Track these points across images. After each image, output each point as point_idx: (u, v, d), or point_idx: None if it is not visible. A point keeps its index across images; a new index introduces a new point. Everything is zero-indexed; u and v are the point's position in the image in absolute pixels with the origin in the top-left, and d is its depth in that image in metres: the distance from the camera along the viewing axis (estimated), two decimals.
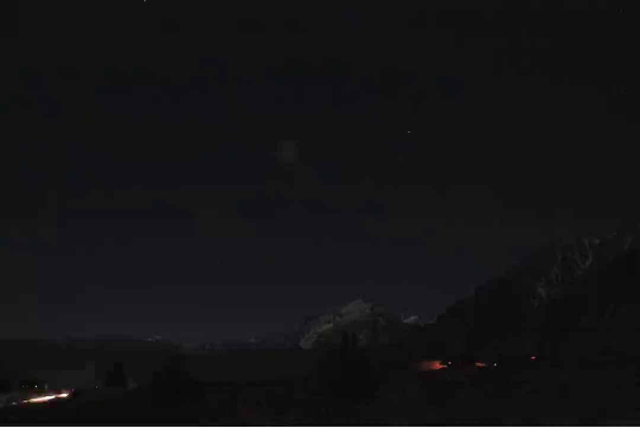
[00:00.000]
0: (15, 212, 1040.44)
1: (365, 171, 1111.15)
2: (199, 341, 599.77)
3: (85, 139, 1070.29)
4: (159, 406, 41.05)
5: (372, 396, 37.50)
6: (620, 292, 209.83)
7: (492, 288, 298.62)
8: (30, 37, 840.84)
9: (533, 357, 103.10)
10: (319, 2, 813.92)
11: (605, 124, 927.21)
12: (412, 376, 61.78)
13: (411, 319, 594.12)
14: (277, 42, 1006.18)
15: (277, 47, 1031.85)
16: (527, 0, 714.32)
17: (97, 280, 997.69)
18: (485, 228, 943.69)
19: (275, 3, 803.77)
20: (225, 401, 43.77)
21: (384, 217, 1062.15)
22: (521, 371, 61.06)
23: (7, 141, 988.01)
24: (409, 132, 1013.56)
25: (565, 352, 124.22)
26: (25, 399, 75.25)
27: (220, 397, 47.64)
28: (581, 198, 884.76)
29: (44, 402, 69.50)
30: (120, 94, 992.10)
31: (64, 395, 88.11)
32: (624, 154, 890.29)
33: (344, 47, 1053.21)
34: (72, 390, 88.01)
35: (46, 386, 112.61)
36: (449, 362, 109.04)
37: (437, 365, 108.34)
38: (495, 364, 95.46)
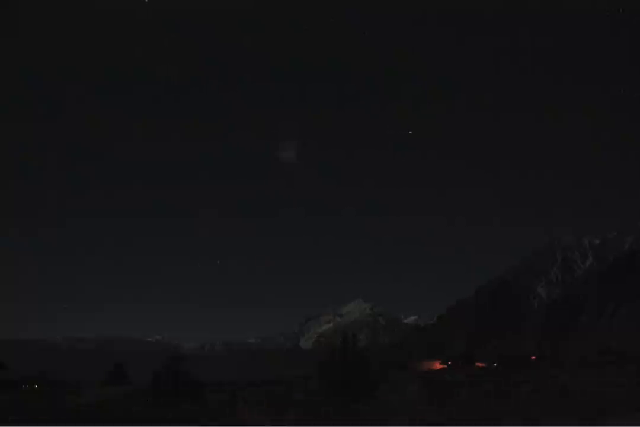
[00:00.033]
0: (15, 212, 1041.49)
1: (366, 171, 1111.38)
2: (199, 341, 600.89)
3: (85, 139, 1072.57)
4: (159, 406, 41.02)
5: (372, 396, 37.50)
6: (620, 292, 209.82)
7: (492, 288, 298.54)
8: (30, 37, 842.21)
9: (533, 357, 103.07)
10: (321, 2, 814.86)
11: (605, 124, 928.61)
12: (412, 376, 61.77)
13: (411, 319, 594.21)
14: (280, 42, 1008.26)
15: (280, 47, 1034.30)
16: (527, 0, 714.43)
17: (97, 280, 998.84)
18: (485, 228, 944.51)
19: (277, 3, 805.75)
20: (225, 401, 43.76)
21: (384, 217, 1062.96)
22: (521, 371, 61.06)
23: (7, 141, 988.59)
24: (410, 132, 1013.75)
25: (565, 352, 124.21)
26: None
27: (220, 397, 47.62)
28: (581, 198, 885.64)
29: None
30: (120, 94, 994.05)
31: None
32: (624, 154, 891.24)
33: (346, 47, 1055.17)
34: None
35: None
36: (449, 362, 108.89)
37: (437, 365, 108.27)
38: (495, 364, 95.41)
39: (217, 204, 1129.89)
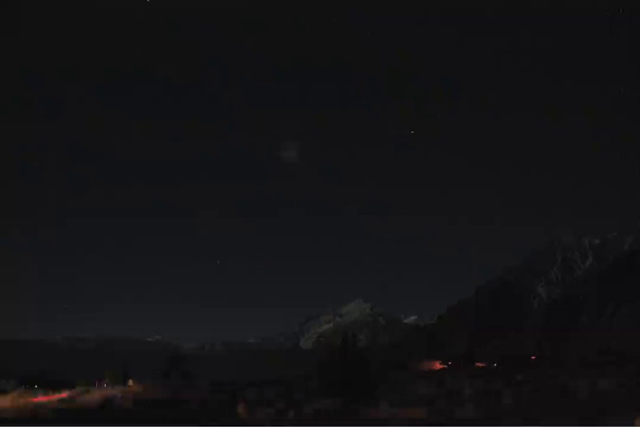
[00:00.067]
0: (15, 212, 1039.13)
1: (368, 171, 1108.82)
2: (199, 341, 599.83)
3: (85, 139, 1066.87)
4: (159, 406, 41.06)
5: (372, 396, 37.49)
6: (620, 292, 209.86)
7: (492, 288, 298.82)
8: (30, 37, 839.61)
9: (533, 357, 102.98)
10: (323, 2, 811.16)
11: (605, 124, 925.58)
12: (412, 376, 61.76)
13: (411, 319, 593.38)
14: (281, 42, 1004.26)
15: (281, 47, 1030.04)
16: (529, 0, 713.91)
17: (97, 280, 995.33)
18: (486, 228, 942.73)
19: (279, 3, 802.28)
20: (225, 401, 43.78)
21: (385, 217, 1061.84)
22: (521, 371, 61.01)
23: (7, 141, 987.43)
24: (412, 132, 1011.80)
25: (565, 352, 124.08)
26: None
27: (220, 397, 47.64)
28: (581, 198, 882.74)
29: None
30: (120, 94, 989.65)
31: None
32: (624, 154, 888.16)
33: (348, 47, 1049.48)
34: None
35: None
36: (450, 362, 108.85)
37: (438, 365, 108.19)
38: (495, 364, 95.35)
39: (217, 204, 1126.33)
